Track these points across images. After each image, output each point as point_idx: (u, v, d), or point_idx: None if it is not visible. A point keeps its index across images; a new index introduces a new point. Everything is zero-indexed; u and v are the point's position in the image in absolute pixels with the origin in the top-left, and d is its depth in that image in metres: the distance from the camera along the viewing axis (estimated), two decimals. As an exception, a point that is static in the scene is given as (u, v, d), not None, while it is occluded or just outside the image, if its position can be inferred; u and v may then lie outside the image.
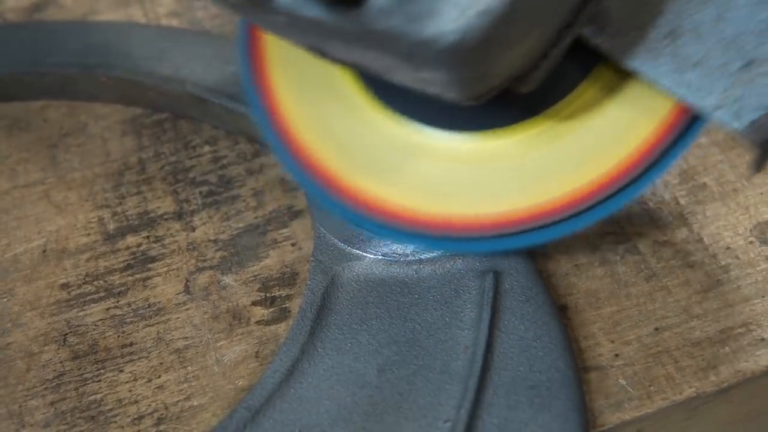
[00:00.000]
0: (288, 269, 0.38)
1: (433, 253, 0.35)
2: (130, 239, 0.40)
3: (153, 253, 0.39)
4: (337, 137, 0.34)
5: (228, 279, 0.38)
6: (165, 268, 0.38)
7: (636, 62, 0.30)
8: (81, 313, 0.37)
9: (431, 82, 0.28)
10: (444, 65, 0.26)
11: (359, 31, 0.26)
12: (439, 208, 0.33)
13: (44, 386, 0.35)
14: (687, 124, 0.31)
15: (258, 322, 0.36)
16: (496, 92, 0.30)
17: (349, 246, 0.35)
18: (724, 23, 0.29)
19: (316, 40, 0.29)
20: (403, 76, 0.29)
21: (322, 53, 0.30)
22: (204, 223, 0.40)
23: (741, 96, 0.29)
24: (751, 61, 0.29)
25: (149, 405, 0.34)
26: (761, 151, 0.29)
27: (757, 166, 0.30)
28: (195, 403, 0.34)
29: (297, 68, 0.35)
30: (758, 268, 0.37)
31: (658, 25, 0.30)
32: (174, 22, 0.50)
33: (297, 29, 0.29)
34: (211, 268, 0.38)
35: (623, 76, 0.32)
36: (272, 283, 0.38)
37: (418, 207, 0.33)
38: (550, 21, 0.28)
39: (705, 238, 0.38)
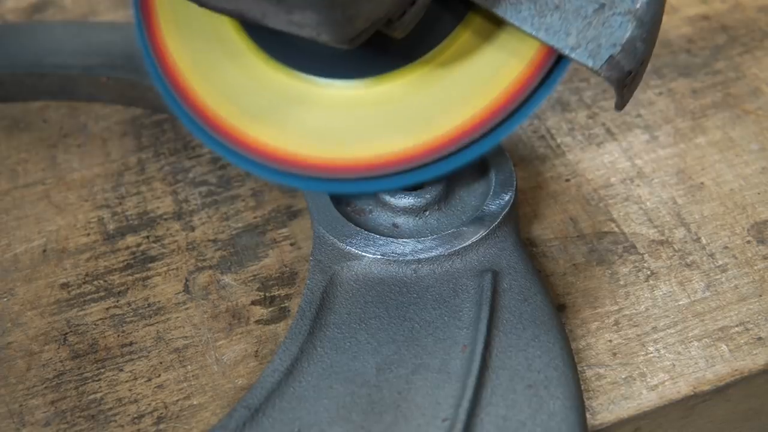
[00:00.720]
0: (287, 269, 0.38)
1: (431, 252, 0.35)
2: (130, 239, 0.40)
3: (153, 252, 0.39)
4: (224, 85, 0.36)
5: (227, 278, 0.38)
6: (164, 268, 0.39)
7: (500, 9, 0.32)
8: (81, 313, 0.37)
9: (303, 24, 0.30)
10: (312, 7, 0.28)
11: None
12: (320, 151, 0.35)
13: (44, 385, 0.35)
14: (552, 63, 0.33)
15: (257, 322, 0.37)
16: (367, 35, 0.31)
17: (348, 245, 0.35)
18: None
19: None
20: (278, 20, 0.30)
21: (202, 2, 0.32)
22: (203, 223, 0.40)
23: (595, 36, 0.31)
24: (603, 4, 0.31)
25: (149, 404, 0.34)
26: (619, 89, 0.31)
27: (620, 104, 0.32)
28: (195, 402, 0.34)
29: (187, 22, 0.36)
30: (755, 268, 0.37)
31: None
32: (173, 23, 0.50)
33: None
34: (210, 267, 0.38)
35: (494, 21, 0.33)
36: (271, 282, 0.38)
37: (299, 150, 0.35)
38: None
39: (702, 238, 0.38)
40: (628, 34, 0.31)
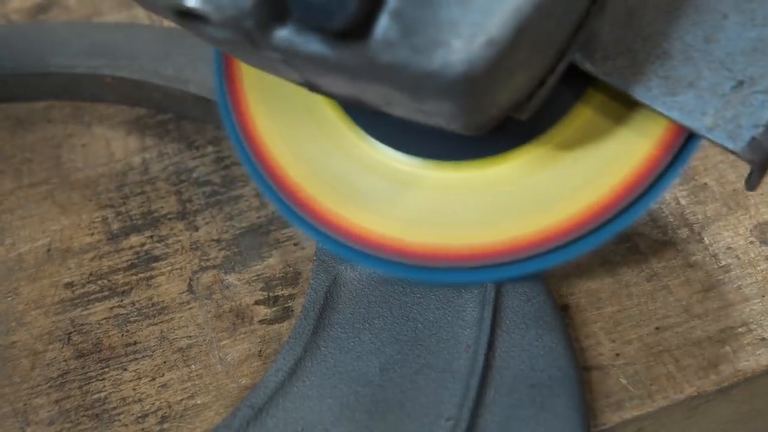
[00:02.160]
0: (291, 269, 0.38)
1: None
2: (134, 239, 0.40)
3: (156, 252, 0.39)
4: (319, 166, 0.34)
5: (231, 278, 0.38)
6: (168, 268, 0.39)
7: (628, 86, 0.30)
8: (85, 312, 0.37)
9: (434, 113, 0.27)
10: (450, 96, 0.26)
11: (362, 65, 0.26)
12: (430, 237, 0.32)
13: (49, 384, 0.35)
14: (683, 142, 0.31)
15: (261, 321, 0.37)
16: (498, 121, 0.30)
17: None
18: (713, 44, 0.29)
19: (311, 75, 0.28)
20: (404, 108, 0.28)
21: (314, 88, 0.29)
22: (207, 223, 0.40)
23: (735, 116, 0.29)
24: (742, 81, 0.29)
25: (153, 403, 0.34)
26: (759, 170, 0.29)
27: (753, 184, 0.30)
28: (198, 402, 0.34)
29: (274, 91, 0.34)
30: (758, 268, 0.37)
31: (648, 48, 0.30)
32: (177, 23, 0.50)
33: (291, 65, 0.28)
34: (214, 267, 0.38)
35: (616, 97, 0.31)
36: (275, 282, 0.38)
37: (406, 236, 0.32)
38: (550, 48, 0.28)
39: (706, 238, 0.38)
40: None
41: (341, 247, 0.33)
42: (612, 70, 0.30)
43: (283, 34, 0.26)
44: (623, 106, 0.31)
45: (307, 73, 0.28)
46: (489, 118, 0.29)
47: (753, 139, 0.28)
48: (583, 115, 0.32)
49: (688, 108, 0.29)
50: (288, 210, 0.33)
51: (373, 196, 0.33)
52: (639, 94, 0.29)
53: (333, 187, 0.33)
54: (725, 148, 0.29)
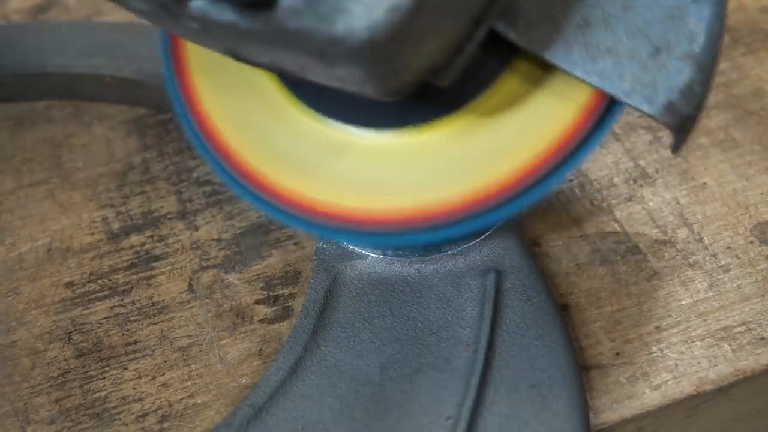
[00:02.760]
0: (291, 268, 0.38)
1: (435, 253, 0.35)
2: (134, 238, 0.40)
3: (157, 252, 0.39)
4: (259, 136, 0.35)
5: (231, 278, 0.38)
6: (169, 267, 0.39)
7: (550, 53, 0.31)
8: (85, 312, 0.37)
9: (346, 79, 0.28)
10: (356, 62, 0.27)
11: (272, 32, 0.27)
12: (361, 201, 0.33)
13: (49, 384, 0.35)
14: (606, 108, 0.31)
15: (261, 321, 0.37)
16: (414, 88, 0.30)
17: (351, 245, 0.36)
18: (631, 12, 0.30)
19: (230, 44, 0.29)
20: (319, 74, 0.29)
21: (237, 56, 0.31)
22: (207, 223, 0.40)
23: (651, 81, 0.30)
24: (658, 48, 0.30)
25: (153, 402, 0.34)
26: (677, 133, 0.30)
27: (677, 147, 0.31)
28: (199, 401, 0.34)
29: (218, 68, 0.35)
30: (758, 268, 0.37)
31: (570, 16, 0.31)
32: (178, 23, 0.50)
33: (210, 35, 0.29)
34: (214, 266, 0.39)
35: (543, 65, 0.32)
36: (275, 281, 0.38)
37: (339, 200, 0.33)
38: (461, 15, 0.29)
39: (705, 238, 0.38)
40: (686, 79, 0.29)
41: (281, 213, 0.34)
42: (534, 38, 0.31)
43: (198, 4, 0.28)
44: (549, 74, 0.32)
45: (226, 42, 0.29)
46: (403, 83, 0.29)
47: (669, 102, 0.29)
48: (510, 83, 0.33)
49: (606, 74, 0.30)
50: (233, 180, 0.34)
51: (308, 164, 0.34)
52: (560, 61, 0.30)
53: (272, 156, 0.34)
54: (643, 113, 0.30)
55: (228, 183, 0.34)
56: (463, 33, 0.30)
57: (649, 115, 0.30)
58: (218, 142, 0.35)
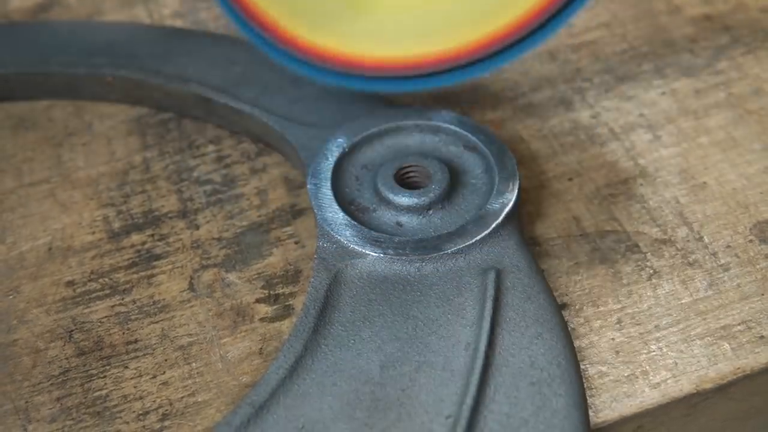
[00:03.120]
0: (291, 267, 0.38)
1: (435, 252, 0.35)
2: (135, 237, 0.40)
3: (157, 251, 0.39)
4: None
5: (232, 277, 0.38)
6: (169, 266, 0.39)
7: None
8: (86, 310, 0.37)
9: None
10: None
11: None
12: (380, 51, 0.37)
13: (50, 382, 0.35)
14: None
15: (262, 320, 0.37)
16: None
17: (352, 244, 0.36)
18: None
19: None
20: None
21: None
22: (208, 222, 0.40)
23: None
24: None
25: (154, 401, 0.34)
26: None
27: None
28: (199, 399, 0.34)
29: None
30: (758, 267, 0.37)
31: None
32: (178, 23, 0.50)
33: None
34: (215, 265, 0.39)
35: None
36: (276, 280, 0.38)
37: (358, 51, 0.38)
38: None
39: (705, 237, 0.38)
40: None
41: (297, 63, 0.38)
42: None
43: None
44: None
45: None
46: None
47: None
48: None
49: None
50: (252, 32, 0.39)
51: (325, 16, 0.38)
52: None
53: (290, 9, 0.38)
54: None
55: (241, 29, 0.38)
56: None
57: None
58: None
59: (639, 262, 0.37)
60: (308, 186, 0.38)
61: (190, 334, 0.36)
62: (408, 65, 0.37)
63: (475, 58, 0.37)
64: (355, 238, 0.36)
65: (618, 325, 0.35)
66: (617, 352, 0.35)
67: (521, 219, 0.38)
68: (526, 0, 0.35)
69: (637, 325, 0.35)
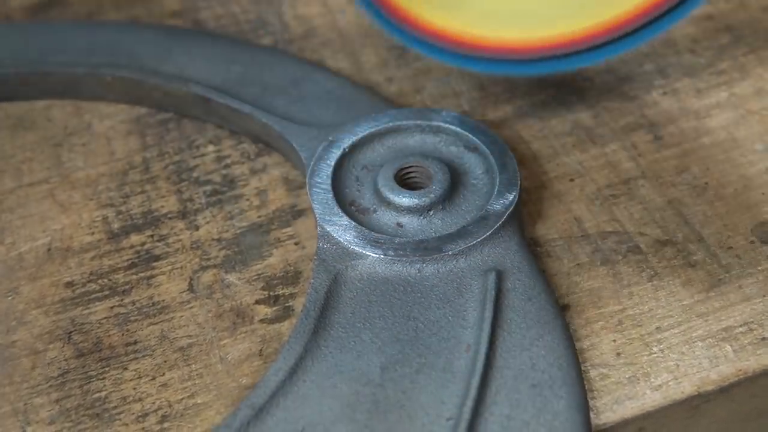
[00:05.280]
0: (291, 268, 0.38)
1: (436, 253, 0.35)
2: (134, 238, 0.40)
3: (157, 251, 0.39)
4: None
5: (232, 278, 0.38)
6: (169, 267, 0.39)
7: None
8: (85, 312, 0.37)
9: None
10: None
11: None
12: (500, 33, 0.38)
13: (49, 384, 0.35)
14: None
15: (261, 321, 0.37)
16: None
17: (352, 245, 0.36)
18: None
19: None
20: None
21: None
22: (208, 222, 0.40)
23: None
24: None
25: (153, 402, 0.34)
26: None
27: None
28: (199, 401, 0.34)
29: None
30: (759, 268, 0.37)
31: None
32: (178, 23, 0.50)
33: None
34: (214, 266, 0.38)
35: None
36: (276, 281, 0.38)
37: (477, 32, 0.39)
38: None
39: (706, 238, 0.38)
40: None
41: (421, 44, 0.39)
42: None
43: None
44: None
45: None
46: None
47: None
48: None
49: None
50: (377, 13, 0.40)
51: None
52: None
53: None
54: None
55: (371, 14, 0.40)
56: None
57: None
58: None
59: (640, 264, 0.37)
60: (308, 187, 0.38)
61: (190, 336, 0.36)
62: (535, 48, 0.38)
63: (593, 44, 0.37)
64: (355, 239, 0.36)
65: (619, 327, 0.35)
66: (618, 354, 0.35)
67: (522, 220, 0.38)
68: None
69: (639, 326, 0.35)
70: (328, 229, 0.36)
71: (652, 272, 0.37)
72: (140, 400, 0.34)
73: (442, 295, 0.35)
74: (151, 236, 0.40)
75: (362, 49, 0.48)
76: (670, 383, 0.34)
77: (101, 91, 0.45)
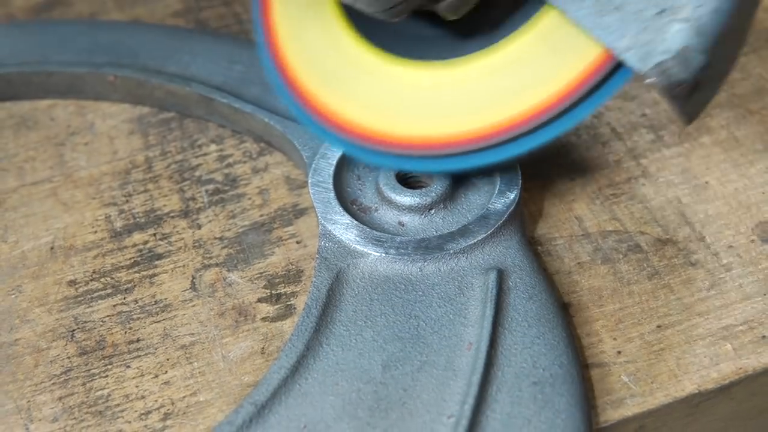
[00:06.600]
0: (293, 266, 0.38)
1: (437, 251, 0.35)
2: (137, 237, 0.40)
3: (159, 250, 0.39)
4: (317, 61, 0.38)
5: (234, 276, 0.38)
6: (171, 265, 0.39)
7: (563, 4, 0.32)
8: (88, 310, 0.37)
9: None
10: None
11: None
12: (390, 126, 0.37)
13: (52, 381, 0.35)
14: (612, 68, 0.33)
15: (263, 319, 0.37)
16: (407, 9, 0.34)
17: (353, 244, 0.36)
18: None
19: None
20: None
21: None
22: (210, 221, 0.40)
23: (650, 40, 0.30)
24: (664, 9, 0.30)
25: (156, 400, 0.34)
26: (669, 97, 0.31)
27: (683, 118, 0.32)
28: (201, 399, 0.34)
29: (296, 5, 0.39)
30: (760, 267, 0.37)
31: None
32: (180, 22, 0.50)
33: None
34: (217, 265, 0.39)
35: (559, 22, 0.34)
36: (278, 280, 0.38)
37: (372, 125, 0.37)
38: None
39: (707, 237, 0.38)
40: (682, 42, 0.30)
41: (325, 132, 0.38)
42: None
43: None
44: (567, 26, 0.34)
45: None
46: (391, 2, 0.33)
47: (659, 64, 0.30)
48: (536, 28, 0.35)
49: (610, 29, 0.31)
50: (289, 100, 0.39)
51: (350, 86, 0.38)
52: (571, 12, 0.32)
53: (323, 79, 0.38)
54: (635, 71, 0.31)
55: (283, 98, 0.38)
56: None
57: (640, 73, 0.31)
58: (281, 63, 0.39)
59: (641, 262, 0.37)
60: (310, 185, 0.38)
61: (192, 334, 0.36)
62: (450, 143, 0.36)
63: (508, 138, 0.35)
64: (356, 238, 0.36)
65: (620, 325, 0.35)
66: (619, 352, 0.35)
67: (523, 219, 0.38)
68: (560, 79, 0.34)
69: (639, 325, 0.35)
70: (329, 228, 0.36)
71: (653, 271, 0.37)
72: (143, 397, 0.35)
73: (443, 293, 0.35)
74: (154, 235, 0.40)
75: (364, 48, 0.48)
76: (670, 381, 0.34)
77: (104, 91, 0.45)
